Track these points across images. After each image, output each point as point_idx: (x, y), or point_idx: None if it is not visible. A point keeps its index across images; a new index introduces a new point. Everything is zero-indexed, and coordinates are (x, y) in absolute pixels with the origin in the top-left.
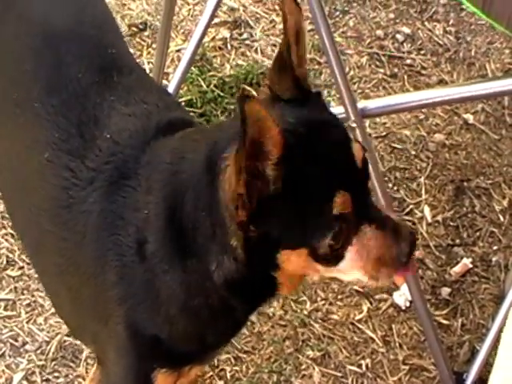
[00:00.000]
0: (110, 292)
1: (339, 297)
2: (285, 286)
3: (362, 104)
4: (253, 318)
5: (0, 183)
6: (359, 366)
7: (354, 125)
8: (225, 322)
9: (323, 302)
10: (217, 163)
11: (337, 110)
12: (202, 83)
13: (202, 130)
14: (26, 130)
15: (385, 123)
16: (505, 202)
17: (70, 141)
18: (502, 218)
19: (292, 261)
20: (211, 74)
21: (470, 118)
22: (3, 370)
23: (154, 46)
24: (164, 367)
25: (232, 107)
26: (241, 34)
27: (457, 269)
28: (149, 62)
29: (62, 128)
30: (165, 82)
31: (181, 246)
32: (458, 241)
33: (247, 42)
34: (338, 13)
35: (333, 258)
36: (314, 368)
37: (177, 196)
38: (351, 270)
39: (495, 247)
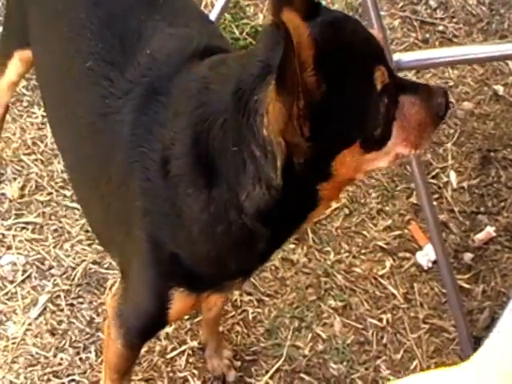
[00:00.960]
0: (135, 203)
1: (363, 251)
2: (326, 199)
3: (396, 56)
4: (276, 262)
5: (43, 92)
6: (380, 319)
7: None
8: (248, 252)
9: (347, 254)
10: (247, 95)
11: None
12: (235, 30)
13: (230, 59)
14: (70, 40)
15: None
16: None
17: (112, 52)
18: None
19: (346, 163)
20: (244, 21)
21: (500, 89)
22: (29, 292)
23: None
24: (182, 287)
25: None
26: None
27: (480, 236)
28: None
29: (106, 40)
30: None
31: (206, 173)
32: (482, 209)
33: None
34: None
35: (382, 139)
36: (335, 317)
37: (203, 126)
38: (396, 146)
39: None
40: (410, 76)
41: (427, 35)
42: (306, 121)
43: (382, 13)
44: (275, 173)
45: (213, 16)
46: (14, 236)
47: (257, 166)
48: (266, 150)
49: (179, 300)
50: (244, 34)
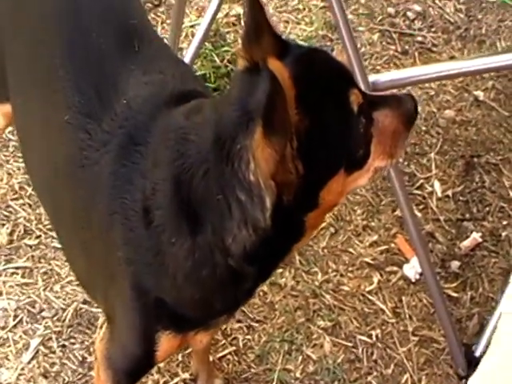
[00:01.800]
0: (117, 253)
1: (350, 269)
2: (311, 228)
3: (372, 78)
4: (265, 288)
5: (22, 144)
6: (369, 336)
7: None
8: (233, 291)
9: (334, 273)
10: (229, 144)
11: None
12: (216, 58)
13: (206, 107)
14: (48, 93)
15: None
16: None
17: (88, 104)
18: (511, 194)
19: (332, 190)
20: (225, 49)
21: (480, 94)
22: (21, 336)
23: (168, 21)
24: (168, 329)
25: None
26: None
27: (466, 243)
28: (163, 38)
29: (82, 92)
30: (179, 57)
31: (190, 222)
32: (467, 215)
33: None
34: None
35: (363, 158)
36: (324, 337)
37: (185, 177)
38: (375, 161)
39: (505, 222)
40: None
41: (406, 47)
42: (299, 159)
43: (361, 28)
44: (263, 215)
45: (193, 45)
46: (4, 282)
47: (243, 210)
48: (253, 194)
49: (166, 342)
50: (225, 61)
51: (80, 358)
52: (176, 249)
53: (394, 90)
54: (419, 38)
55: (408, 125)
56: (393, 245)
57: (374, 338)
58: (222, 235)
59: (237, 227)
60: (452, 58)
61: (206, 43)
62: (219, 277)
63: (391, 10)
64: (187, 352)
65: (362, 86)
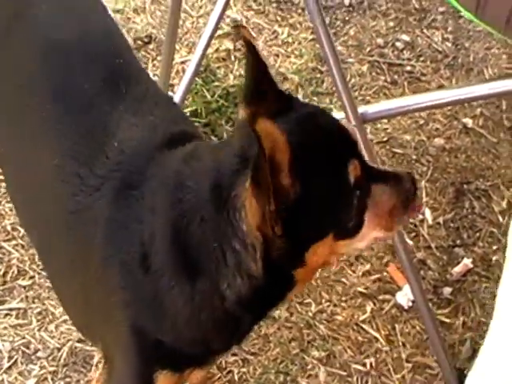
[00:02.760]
0: (115, 297)
1: (343, 298)
2: (302, 281)
3: (362, 109)
4: None
5: (12, 190)
6: (364, 364)
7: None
8: (231, 332)
9: (328, 303)
10: (225, 191)
11: (338, 115)
12: (207, 94)
13: (204, 152)
14: (36, 138)
15: (386, 129)
16: (504, 203)
17: (78, 148)
18: (501, 219)
19: (319, 252)
20: (215, 84)
21: (469, 122)
22: (16, 377)
23: (159, 58)
24: (165, 369)
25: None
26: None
27: (458, 269)
28: (154, 74)
29: (71, 136)
30: (170, 93)
31: (187, 267)
32: (458, 241)
33: None
34: (338, 22)
35: (355, 228)
36: (319, 368)
37: (182, 223)
38: (370, 232)
39: (495, 247)
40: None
41: (395, 77)
42: (278, 221)
43: (350, 60)
44: (255, 264)
45: (184, 81)
46: None
47: (237, 258)
48: (246, 243)
49: (163, 381)
50: (215, 96)
51: None
52: (175, 293)
53: (384, 120)
54: (408, 68)
55: (405, 203)
56: (385, 273)
57: (369, 366)
58: (218, 281)
59: (232, 274)
60: (440, 86)
61: (197, 79)
62: (217, 320)
63: (380, 40)
64: None
65: (352, 118)
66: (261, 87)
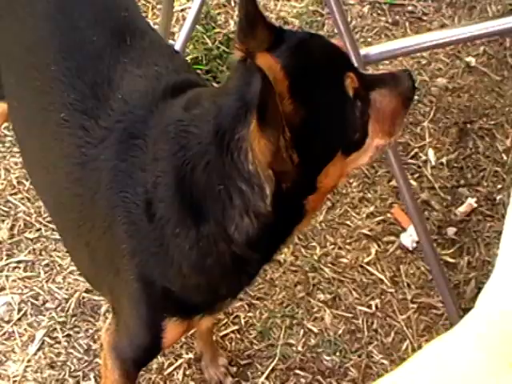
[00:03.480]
0: (121, 246)
1: (348, 241)
2: (311, 210)
3: (363, 51)
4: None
5: (21, 145)
6: (369, 306)
7: None
8: (238, 276)
9: (332, 246)
10: (228, 134)
11: None
12: (208, 40)
13: (204, 98)
14: (43, 93)
15: (388, 70)
16: (508, 142)
17: (84, 101)
18: (505, 157)
19: (330, 173)
20: (216, 31)
21: (472, 60)
22: (26, 329)
23: (158, 6)
24: (174, 316)
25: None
26: None
27: (462, 209)
28: (154, 23)
29: (77, 89)
30: (171, 41)
31: (192, 213)
32: (462, 181)
33: None
34: None
35: (360, 140)
36: (325, 310)
37: (186, 169)
38: (373, 141)
39: (499, 186)
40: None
41: (397, 17)
42: (294, 149)
43: (351, 1)
44: (264, 202)
45: (185, 29)
46: (6, 277)
47: (244, 199)
48: (253, 183)
49: (172, 328)
50: (216, 43)
51: (85, 347)
52: (180, 239)
53: (386, 62)
54: (409, 8)
55: (406, 102)
56: (389, 215)
57: (374, 308)
58: (225, 224)
59: (239, 216)
60: (443, 26)
61: (197, 26)
62: (223, 264)
63: None
64: (190, 333)
65: (354, 60)
66: (252, 23)
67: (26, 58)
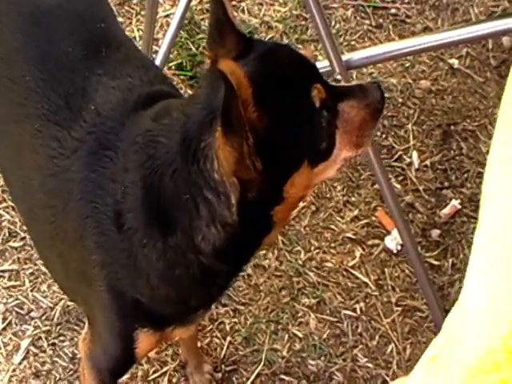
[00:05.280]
0: (91, 256)
1: (332, 245)
2: (279, 222)
3: (346, 56)
4: (249, 270)
5: None
6: (354, 310)
7: (339, 77)
8: (207, 287)
9: (317, 250)
10: (194, 143)
11: (322, 63)
12: (192, 46)
13: (173, 108)
14: (18, 104)
15: (371, 73)
16: (491, 143)
17: (58, 112)
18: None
19: (296, 183)
20: (200, 36)
21: (455, 62)
22: (10, 338)
23: (142, 13)
24: (145, 327)
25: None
26: None
27: (446, 210)
28: (138, 29)
29: (52, 100)
30: (155, 47)
31: (160, 223)
32: (446, 183)
33: (234, 2)
34: None
35: (327, 150)
36: (310, 315)
37: (153, 179)
38: (341, 152)
39: None
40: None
41: (380, 20)
42: (257, 156)
43: (335, 5)
44: (229, 211)
45: (169, 35)
46: None
47: (210, 209)
48: (219, 192)
49: (145, 339)
50: (200, 48)
51: (70, 355)
52: (148, 250)
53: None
54: (393, 11)
55: (374, 114)
56: (374, 218)
57: (359, 312)
58: (192, 234)
59: (205, 225)
60: (426, 28)
61: (181, 32)
62: (192, 275)
63: None
64: (175, 340)
65: (335, 65)
66: (222, 32)
67: (1, 69)
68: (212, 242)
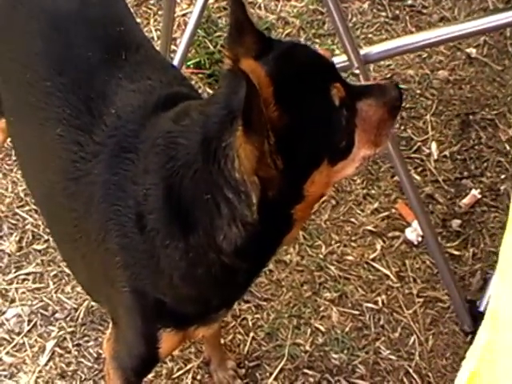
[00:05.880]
0: (115, 258)
1: (353, 238)
2: (299, 220)
3: (364, 50)
4: (271, 266)
5: (20, 161)
6: (375, 302)
7: (357, 71)
8: (230, 287)
9: (338, 244)
10: (215, 143)
11: (340, 58)
12: (209, 44)
13: (193, 109)
14: (39, 109)
15: (389, 65)
16: (510, 131)
17: (79, 117)
18: (508, 147)
19: (316, 181)
20: (217, 34)
21: (472, 51)
22: (36, 340)
23: (160, 12)
24: (169, 327)
25: None
26: None
27: (466, 200)
28: (156, 29)
29: (73, 105)
30: (173, 47)
31: (181, 224)
32: (465, 173)
33: None
34: None
35: (346, 149)
36: (332, 309)
37: (174, 180)
38: (360, 150)
39: (503, 176)
40: None
41: (397, 12)
42: (278, 154)
43: None
44: (250, 210)
45: (187, 34)
46: (16, 289)
47: (231, 208)
48: (239, 191)
49: (168, 339)
50: (218, 46)
51: (95, 355)
52: (170, 251)
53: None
54: (409, 2)
55: (392, 113)
56: (394, 210)
57: (380, 304)
58: (213, 234)
59: (227, 225)
60: (443, 18)
61: (199, 30)
62: (214, 274)
63: None
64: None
65: (354, 60)
66: (241, 31)
67: (22, 75)
68: (233, 241)
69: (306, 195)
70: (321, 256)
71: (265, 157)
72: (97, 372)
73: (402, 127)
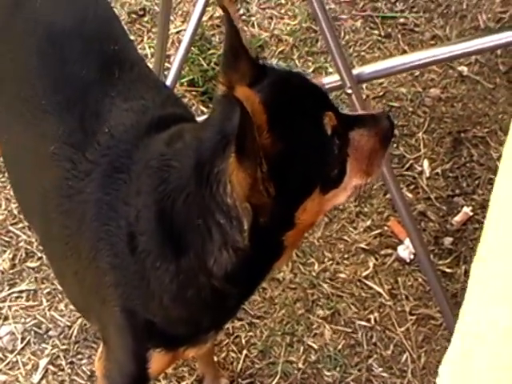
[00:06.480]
0: (105, 277)
1: (345, 256)
2: (290, 247)
3: (357, 70)
4: (264, 283)
5: (13, 178)
6: (368, 320)
7: (349, 91)
8: (218, 310)
9: (330, 262)
10: (208, 168)
11: (333, 77)
12: (203, 62)
13: (186, 132)
14: (33, 126)
15: (381, 83)
16: (502, 149)
17: (73, 135)
18: (499, 164)
19: (308, 209)
20: (211, 52)
21: (464, 69)
22: (29, 358)
23: (154, 30)
24: (158, 347)
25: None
26: (237, 10)
27: (458, 218)
28: (150, 47)
29: (67, 123)
30: (167, 64)
31: (173, 246)
32: (457, 191)
33: (244, 17)
34: None
35: (338, 177)
36: (324, 326)
37: (167, 203)
38: (351, 180)
39: None
40: None
41: (389, 30)
42: (271, 181)
43: (343, 16)
44: (241, 236)
45: (180, 51)
46: (9, 306)
47: (222, 233)
48: (231, 217)
49: (158, 359)
50: (212, 64)
51: (88, 373)
52: (161, 273)
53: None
54: (401, 20)
55: (384, 143)
56: (386, 228)
57: (373, 322)
58: (204, 258)
59: (218, 249)
60: (434, 36)
61: (193, 48)
62: (204, 297)
63: None
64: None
65: (346, 79)
66: (235, 57)
67: (16, 91)
68: (224, 265)
69: (298, 223)
70: (314, 274)
71: (257, 184)
72: None
73: (395, 145)
